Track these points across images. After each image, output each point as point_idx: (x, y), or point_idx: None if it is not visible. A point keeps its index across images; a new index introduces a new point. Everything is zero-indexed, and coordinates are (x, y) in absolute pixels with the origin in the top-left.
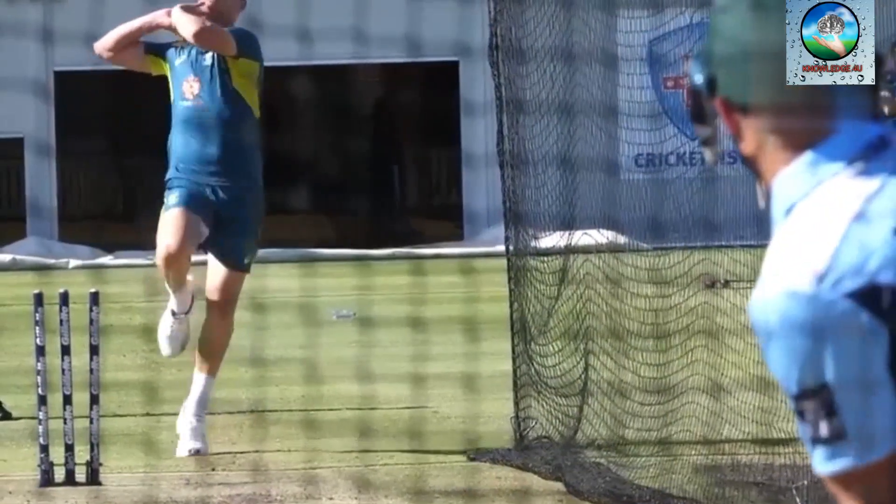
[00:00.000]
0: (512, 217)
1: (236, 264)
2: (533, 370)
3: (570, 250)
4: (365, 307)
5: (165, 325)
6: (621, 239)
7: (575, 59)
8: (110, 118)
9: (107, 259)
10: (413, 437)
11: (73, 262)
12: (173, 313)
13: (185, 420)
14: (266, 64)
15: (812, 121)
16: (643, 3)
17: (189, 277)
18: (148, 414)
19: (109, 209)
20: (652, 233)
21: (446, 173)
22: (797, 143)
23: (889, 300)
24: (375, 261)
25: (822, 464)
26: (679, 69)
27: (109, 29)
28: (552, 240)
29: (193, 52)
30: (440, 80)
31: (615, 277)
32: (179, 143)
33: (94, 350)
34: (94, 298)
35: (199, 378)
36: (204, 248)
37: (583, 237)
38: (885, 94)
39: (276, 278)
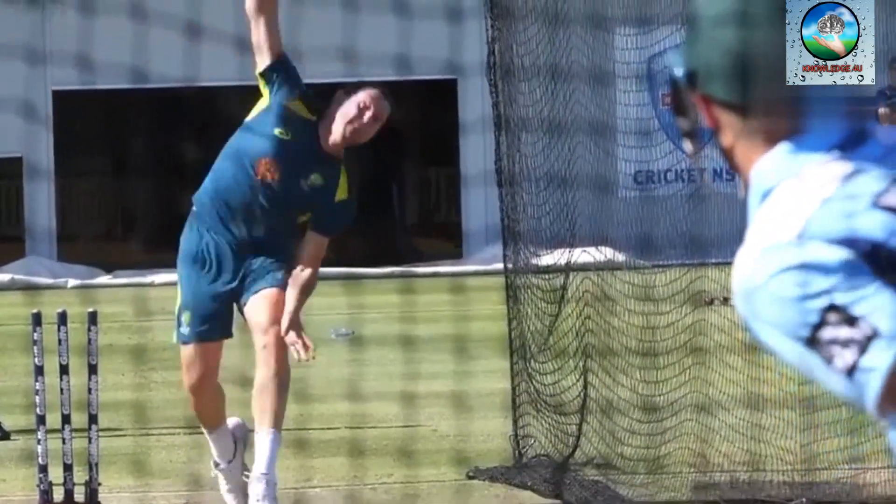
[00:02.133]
0: (510, 235)
1: (274, 281)
2: (532, 388)
3: (569, 268)
4: (363, 326)
5: (221, 483)
6: (619, 256)
7: (573, 77)
8: (108, 137)
9: (105, 279)
10: (411, 456)
11: (71, 282)
12: (216, 465)
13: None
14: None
15: (792, 118)
16: (640, 20)
17: (230, 421)
18: (146, 434)
19: (108, 229)
20: (649, 250)
21: (445, 191)
22: (776, 136)
23: (884, 256)
24: (374, 279)
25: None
26: None
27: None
28: (552, 257)
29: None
30: (439, 98)
31: (613, 295)
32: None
33: (92, 370)
34: (93, 318)
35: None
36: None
37: (581, 255)
38: (884, 110)
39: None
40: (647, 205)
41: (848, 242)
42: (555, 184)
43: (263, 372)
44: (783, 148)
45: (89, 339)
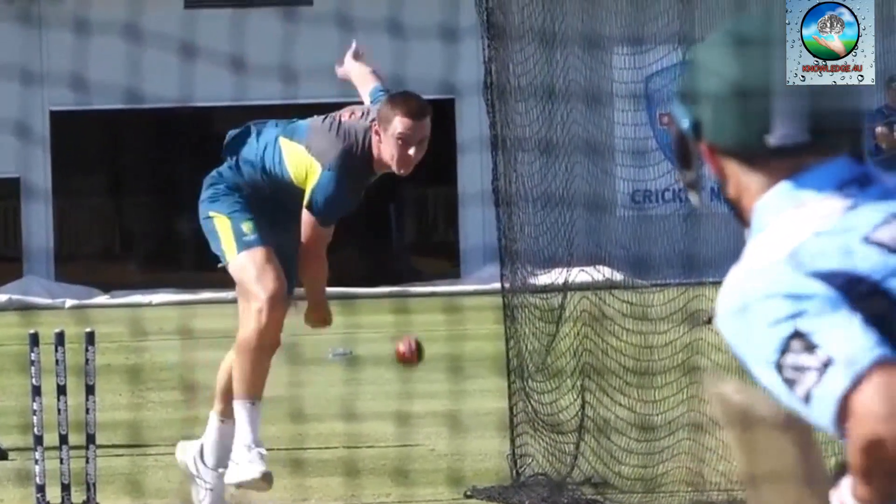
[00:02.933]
0: (507, 255)
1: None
2: (530, 407)
3: (566, 287)
4: (360, 345)
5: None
6: (617, 276)
7: (570, 96)
8: (106, 157)
9: (103, 299)
10: (408, 475)
11: (69, 302)
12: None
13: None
14: (254, 103)
15: (796, 159)
16: (636, 40)
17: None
18: (144, 454)
19: (105, 249)
20: (647, 269)
21: (443, 211)
22: (779, 175)
23: (864, 289)
24: (371, 299)
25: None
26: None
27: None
28: (550, 277)
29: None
30: (436, 117)
31: (611, 314)
32: None
33: (89, 390)
34: (90, 338)
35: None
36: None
37: (579, 274)
38: (881, 129)
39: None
40: (645, 224)
41: (830, 276)
42: (552, 203)
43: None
44: (785, 185)
45: (87, 360)
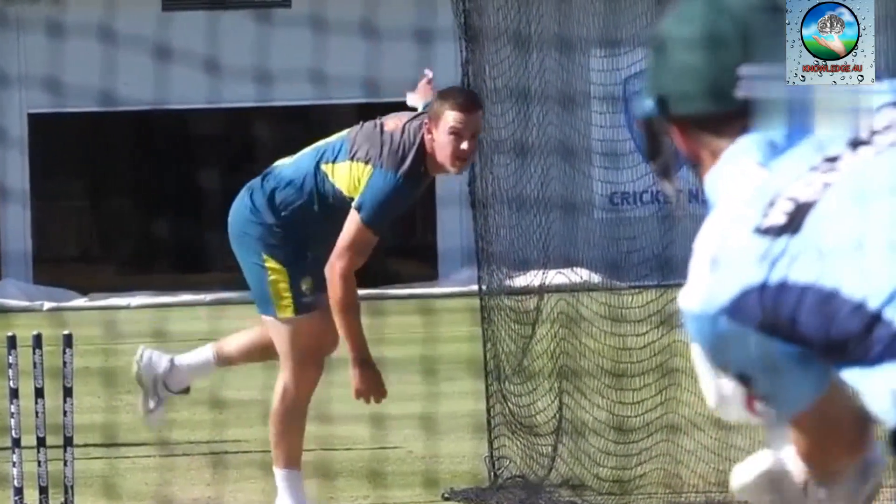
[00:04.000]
0: (484, 257)
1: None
2: (507, 409)
3: (543, 290)
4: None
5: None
6: (595, 278)
7: (546, 99)
8: (85, 161)
9: (81, 301)
10: (385, 477)
11: (46, 305)
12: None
13: None
14: (230, 105)
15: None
16: (614, 42)
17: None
18: (122, 456)
19: (84, 251)
20: (626, 271)
21: (420, 214)
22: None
23: (756, 301)
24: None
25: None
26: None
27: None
28: (526, 279)
29: None
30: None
31: (589, 316)
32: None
33: (67, 392)
34: (68, 341)
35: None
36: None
37: (556, 276)
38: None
39: (250, 319)
40: (623, 226)
41: (732, 307)
42: (527, 205)
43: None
44: (728, 152)
45: (64, 362)
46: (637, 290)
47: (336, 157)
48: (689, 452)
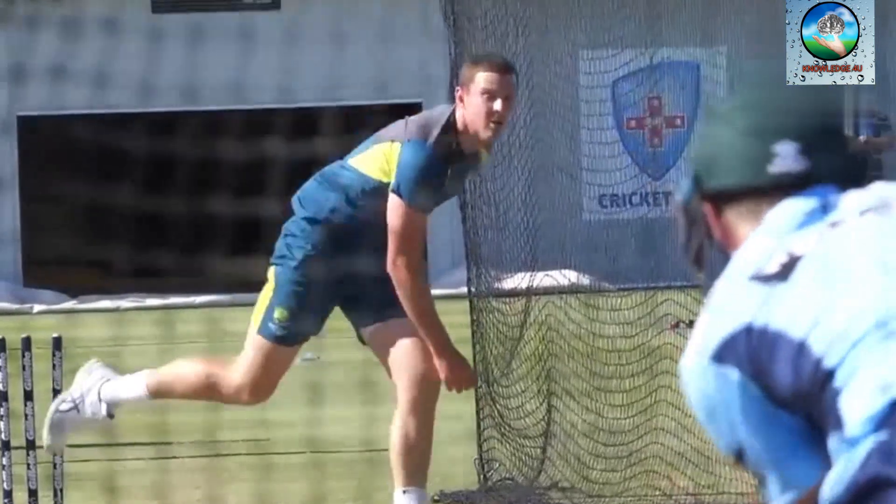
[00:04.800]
0: (473, 258)
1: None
2: (496, 412)
3: (532, 292)
4: (328, 350)
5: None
6: (584, 280)
7: (535, 100)
8: (76, 163)
9: (71, 304)
10: (375, 479)
11: (37, 307)
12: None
13: None
14: (251, 107)
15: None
16: (604, 43)
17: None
18: (112, 458)
19: (74, 254)
20: (615, 273)
21: None
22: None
23: (743, 343)
24: None
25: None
26: (640, 110)
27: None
28: (514, 281)
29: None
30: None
31: (577, 319)
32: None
33: (56, 395)
34: (57, 343)
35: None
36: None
37: (545, 278)
38: (863, 137)
39: (242, 322)
40: (612, 228)
41: (721, 350)
42: (515, 207)
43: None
44: (759, 229)
45: (53, 365)
46: (626, 293)
47: (358, 152)
48: (678, 455)
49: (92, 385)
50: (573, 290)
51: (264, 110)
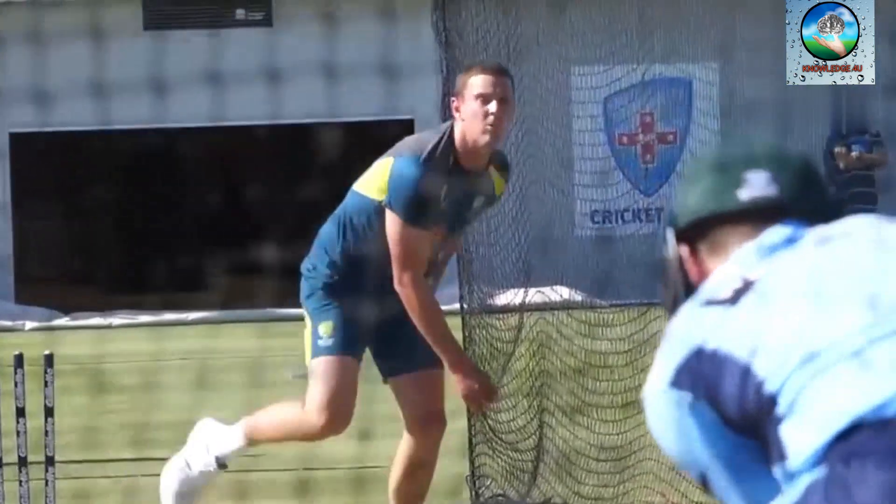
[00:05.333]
0: (466, 275)
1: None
2: (487, 427)
3: (524, 308)
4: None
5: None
6: (576, 296)
7: (527, 116)
8: (67, 180)
9: (63, 321)
10: (368, 495)
11: (29, 324)
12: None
13: None
14: (231, 123)
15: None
16: (596, 59)
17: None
18: (104, 476)
19: (66, 271)
20: (607, 289)
21: None
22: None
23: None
24: None
25: None
26: (633, 126)
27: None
28: (507, 297)
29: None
30: (396, 138)
31: (569, 335)
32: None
33: (48, 412)
34: (49, 360)
35: None
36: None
37: (537, 295)
38: (839, 149)
39: (233, 338)
40: (605, 244)
41: (677, 375)
42: (507, 223)
43: None
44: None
45: (45, 382)
46: (618, 309)
47: (366, 172)
48: (670, 470)
49: (199, 443)
50: (565, 306)
51: (243, 127)
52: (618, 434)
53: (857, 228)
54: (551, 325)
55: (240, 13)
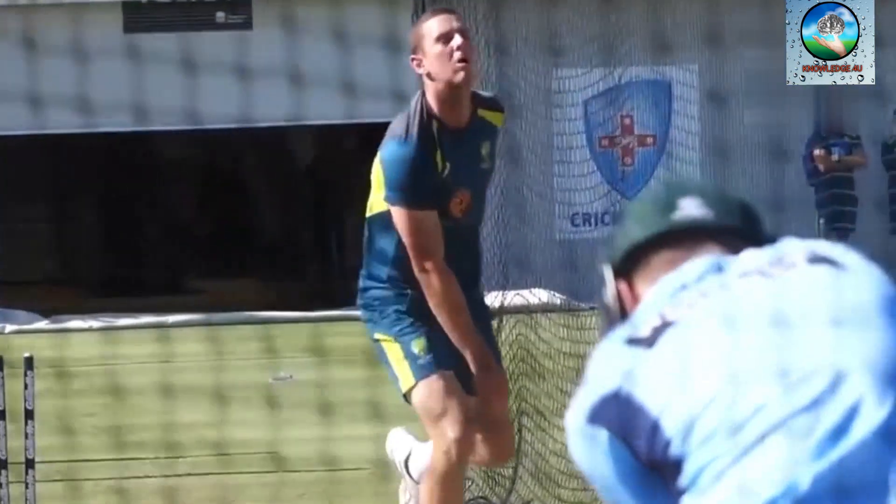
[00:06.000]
0: None
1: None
2: None
3: (503, 311)
4: (305, 369)
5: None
6: (555, 299)
7: (508, 119)
8: (49, 183)
9: (43, 324)
10: (349, 497)
11: (9, 327)
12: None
13: None
14: (208, 127)
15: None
16: (575, 62)
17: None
18: (85, 478)
19: (48, 274)
20: (586, 292)
21: None
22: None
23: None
24: (312, 322)
25: None
26: (612, 128)
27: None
28: (486, 300)
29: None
30: (378, 141)
31: (548, 338)
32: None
33: (29, 415)
34: (29, 363)
35: None
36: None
37: (516, 297)
38: (819, 152)
39: (215, 342)
40: (584, 247)
41: (592, 413)
42: (487, 226)
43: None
44: (653, 289)
45: (25, 385)
46: (598, 311)
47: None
48: None
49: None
50: (544, 309)
51: (221, 130)
52: None
53: (786, 259)
54: (530, 327)
55: (220, 16)
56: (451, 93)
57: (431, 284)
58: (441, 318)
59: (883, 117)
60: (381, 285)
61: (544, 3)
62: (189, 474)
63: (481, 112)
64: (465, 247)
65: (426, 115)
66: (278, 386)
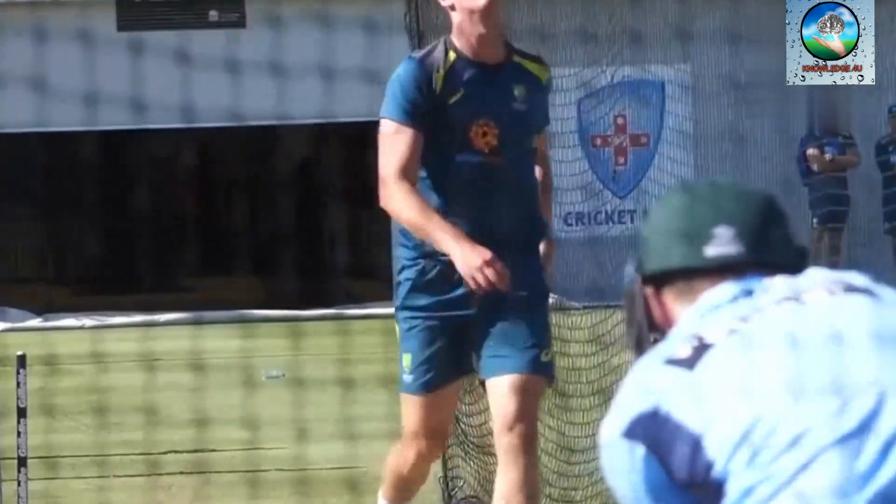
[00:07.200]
0: None
1: (532, 363)
2: (460, 430)
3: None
4: (296, 368)
5: None
6: (550, 298)
7: None
8: (42, 180)
9: (36, 322)
10: (341, 496)
11: (1, 325)
12: None
13: None
14: (200, 126)
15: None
16: (568, 61)
17: None
18: (77, 477)
19: (40, 272)
20: (578, 291)
21: (376, 233)
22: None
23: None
24: (306, 321)
25: None
26: (606, 128)
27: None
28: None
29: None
30: (372, 139)
31: None
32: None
33: (21, 413)
34: (22, 361)
35: None
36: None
37: None
38: (813, 151)
39: (203, 339)
40: (576, 246)
41: (629, 429)
42: None
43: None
44: (688, 311)
45: (18, 383)
46: (589, 311)
47: None
48: None
49: None
50: None
51: (213, 128)
52: (587, 436)
53: (810, 293)
54: None
55: (213, 14)
56: (475, 22)
57: (387, 195)
58: (410, 228)
59: (879, 114)
60: (408, 244)
61: (536, 2)
62: (173, 472)
63: (519, 59)
64: (505, 198)
65: (445, 46)
66: (271, 384)
